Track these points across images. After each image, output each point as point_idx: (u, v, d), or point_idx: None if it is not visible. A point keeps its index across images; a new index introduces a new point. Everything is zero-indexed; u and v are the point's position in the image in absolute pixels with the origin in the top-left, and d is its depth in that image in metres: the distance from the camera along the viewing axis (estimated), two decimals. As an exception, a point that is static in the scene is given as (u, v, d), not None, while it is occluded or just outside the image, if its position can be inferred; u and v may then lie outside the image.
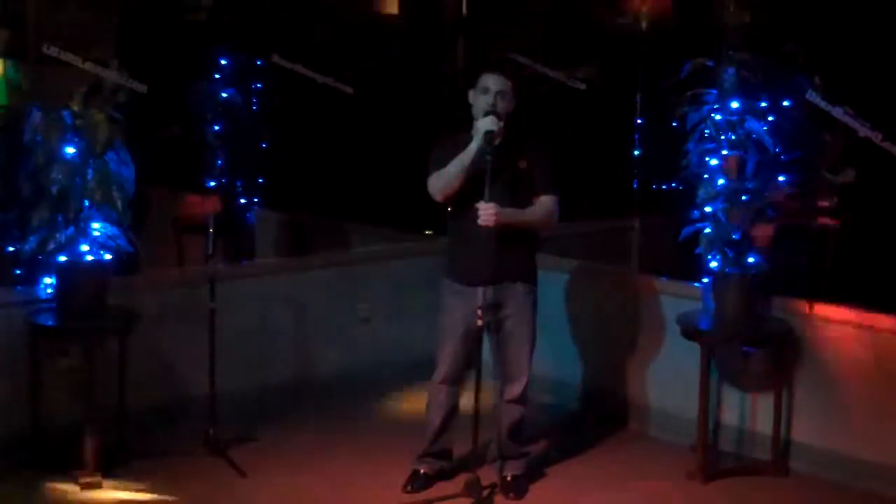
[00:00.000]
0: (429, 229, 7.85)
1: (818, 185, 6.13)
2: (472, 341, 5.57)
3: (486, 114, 5.46)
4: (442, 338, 5.72)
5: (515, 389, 5.70)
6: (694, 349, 5.96)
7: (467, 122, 5.60)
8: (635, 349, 6.67)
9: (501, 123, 5.46)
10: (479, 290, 5.40)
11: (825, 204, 6.08)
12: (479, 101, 5.55)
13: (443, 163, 5.54)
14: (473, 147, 5.44)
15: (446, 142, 5.64)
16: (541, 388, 6.77)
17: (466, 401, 5.62)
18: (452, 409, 5.76)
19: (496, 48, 8.09)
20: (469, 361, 5.64)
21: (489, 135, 5.39)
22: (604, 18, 8.64)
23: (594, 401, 6.87)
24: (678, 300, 6.38)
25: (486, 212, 5.37)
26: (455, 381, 5.73)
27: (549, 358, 6.80)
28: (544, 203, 5.60)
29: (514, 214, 5.50)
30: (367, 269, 7.34)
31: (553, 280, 6.85)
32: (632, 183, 8.38)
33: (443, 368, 5.71)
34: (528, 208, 5.57)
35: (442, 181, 5.53)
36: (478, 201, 5.39)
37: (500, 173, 5.43)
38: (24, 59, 7.05)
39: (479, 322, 5.40)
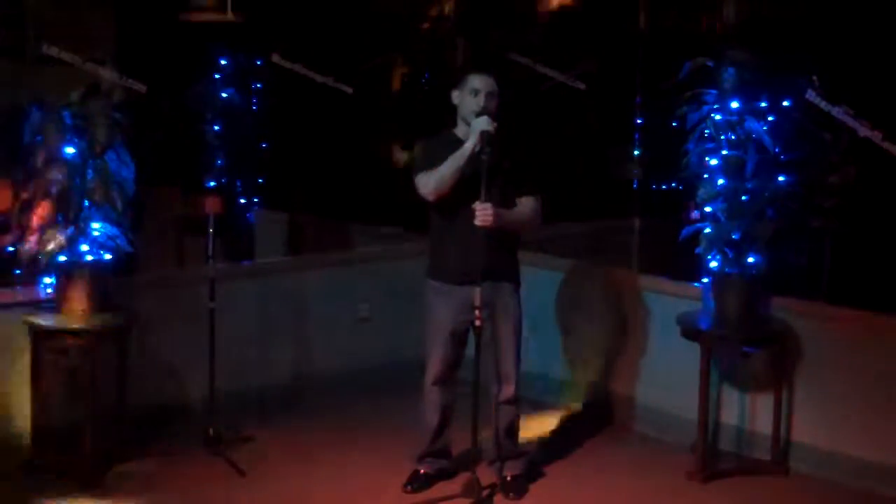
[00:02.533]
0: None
1: (818, 185, 6.12)
2: (459, 341, 5.57)
3: (479, 114, 5.46)
4: (429, 339, 5.71)
5: (508, 390, 5.70)
6: (694, 349, 5.96)
7: (451, 122, 5.63)
8: (636, 349, 6.67)
9: (495, 124, 5.46)
10: (476, 289, 5.39)
11: (825, 203, 6.08)
12: (467, 101, 5.55)
13: (431, 162, 5.53)
14: (469, 147, 5.45)
15: (432, 141, 5.65)
16: (541, 387, 6.78)
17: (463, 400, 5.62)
18: (448, 408, 5.75)
19: (494, 48, 8.10)
20: (459, 361, 5.65)
21: (486, 134, 5.40)
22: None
23: (594, 400, 6.87)
24: (678, 300, 6.38)
25: (484, 212, 5.37)
26: (447, 382, 5.72)
27: (548, 358, 6.80)
28: (530, 204, 5.60)
29: (507, 215, 5.50)
30: (367, 269, 7.34)
31: (553, 280, 6.86)
32: (632, 183, 8.39)
33: (433, 370, 5.71)
34: (515, 209, 5.58)
35: (435, 180, 5.51)
36: (468, 201, 5.39)
37: (490, 174, 5.42)
38: (24, 59, 7.05)
39: (478, 322, 5.39)
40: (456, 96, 5.61)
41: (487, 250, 5.38)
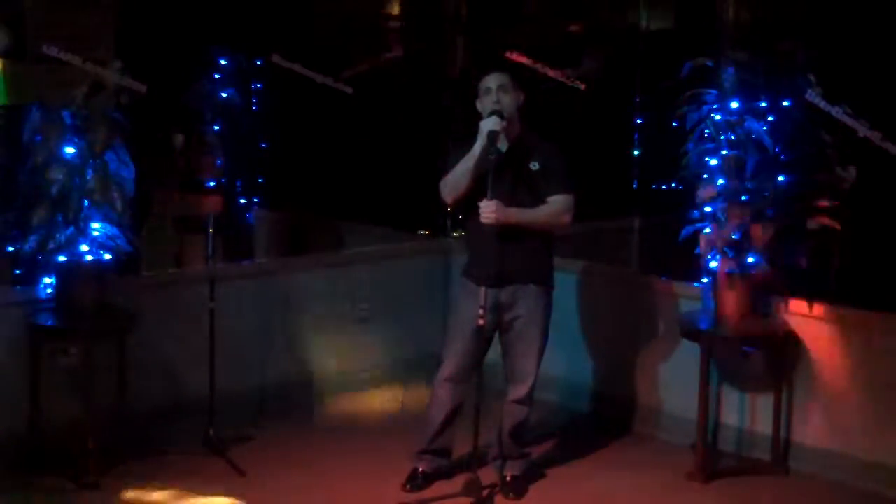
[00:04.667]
0: (425, 229, 7.85)
1: (819, 185, 6.11)
2: (479, 341, 5.57)
3: (490, 114, 5.47)
4: (450, 336, 5.73)
5: (520, 391, 5.71)
6: (695, 349, 5.96)
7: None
8: (637, 349, 6.67)
9: (504, 123, 5.47)
10: (495, 290, 5.44)
11: (825, 203, 6.07)
12: (484, 103, 5.57)
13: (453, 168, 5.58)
14: (478, 147, 5.46)
15: (463, 148, 5.65)
16: (542, 387, 6.77)
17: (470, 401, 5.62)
18: (455, 408, 5.75)
19: (495, 48, 8.09)
20: (477, 361, 5.64)
21: (492, 134, 5.41)
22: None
23: (595, 400, 6.87)
24: (678, 300, 6.38)
25: (487, 209, 5.38)
26: (460, 380, 5.71)
27: (551, 357, 6.78)
28: (556, 202, 5.59)
29: (518, 213, 5.50)
30: (367, 269, 7.34)
31: (555, 280, 6.84)
32: (632, 183, 8.38)
33: (448, 366, 5.71)
34: (536, 207, 5.57)
35: (450, 184, 5.58)
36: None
37: (506, 173, 5.44)
38: (24, 59, 7.04)
39: (481, 322, 5.40)
40: (479, 104, 5.62)
41: (502, 250, 5.41)
